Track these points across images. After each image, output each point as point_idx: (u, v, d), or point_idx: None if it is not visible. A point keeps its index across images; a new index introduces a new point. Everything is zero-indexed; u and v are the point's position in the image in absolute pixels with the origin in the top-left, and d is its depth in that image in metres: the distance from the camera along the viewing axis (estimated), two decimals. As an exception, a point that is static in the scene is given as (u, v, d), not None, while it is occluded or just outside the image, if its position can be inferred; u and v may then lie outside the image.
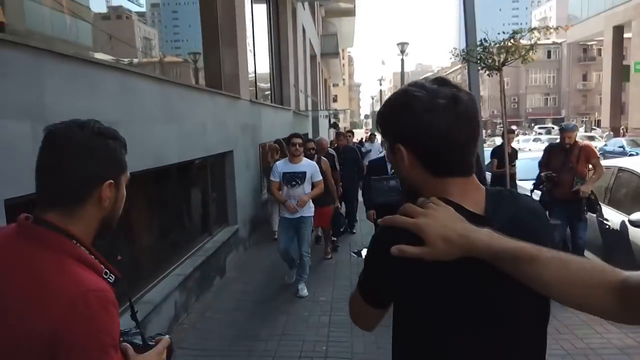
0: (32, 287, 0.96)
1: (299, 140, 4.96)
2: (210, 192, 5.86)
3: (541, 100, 65.62)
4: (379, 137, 12.95)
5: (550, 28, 5.28)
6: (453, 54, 6.22)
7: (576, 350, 3.57)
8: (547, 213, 4.23)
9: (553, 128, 46.22)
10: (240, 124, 6.91)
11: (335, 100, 45.13)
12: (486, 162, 7.00)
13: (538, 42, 5.63)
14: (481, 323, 0.96)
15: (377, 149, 11.86)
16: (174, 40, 6.32)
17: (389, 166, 4.64)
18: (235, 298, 4.93)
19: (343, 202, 7.46)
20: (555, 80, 63.74)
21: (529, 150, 20.40)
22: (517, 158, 7.37)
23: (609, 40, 31.16)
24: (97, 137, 1.09)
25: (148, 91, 3.85)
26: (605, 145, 21.45)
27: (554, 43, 58.15)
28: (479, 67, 5.64)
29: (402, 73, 18.78)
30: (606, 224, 4.74)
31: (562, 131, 5.12)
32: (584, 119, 54.01)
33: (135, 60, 4.70)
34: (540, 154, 6.25)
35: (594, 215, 4.86)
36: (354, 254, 6.61)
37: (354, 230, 7.76)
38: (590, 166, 4.88)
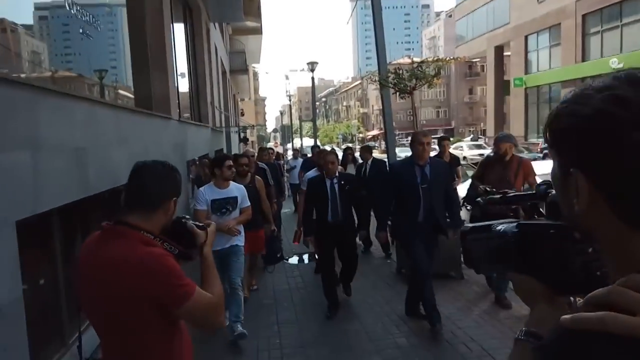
0: (118, 262, 1.50)
1: (230, 163, 4.40)
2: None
3: (433, 112, 71.09)
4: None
5: (452, 59, 6.23)
6: (371, 80, 6.99)
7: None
8: None
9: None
10: (172, 143, 7.13)
11: (242, 114, 45.23)
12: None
13: (440, 68, 6.58)
14: None
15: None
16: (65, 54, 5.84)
17: (328, 183, 4.76)
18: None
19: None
20: (445, 95, 69.52)
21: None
22: (459, 164, 7.62)
23: (491, 59, 34.83)
24: (170, 170, 1.72)
25: (104, 117, 4.09)
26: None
27: (435, 59, 63.47)
28: (393, 91, 6.47)
29: (313, 91, 19.72)
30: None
31: (497, 142, 4.83)
32: (472, 129, 59.49)
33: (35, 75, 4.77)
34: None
35: None
36: (268, 270, 5.83)
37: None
38: (527, 185, 4.58)
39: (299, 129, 40.24)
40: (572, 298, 0.81)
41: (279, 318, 4.80)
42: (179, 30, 10.55)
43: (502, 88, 33.67)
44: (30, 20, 3.93)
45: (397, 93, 6.42)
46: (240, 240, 4.37)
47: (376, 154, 10.98)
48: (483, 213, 4.66)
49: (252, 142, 47.28)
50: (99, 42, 5.25)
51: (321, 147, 10.68)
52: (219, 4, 13.56)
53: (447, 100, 69.86)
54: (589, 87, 0.66)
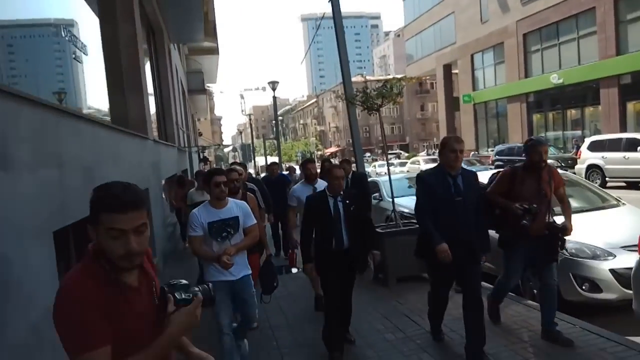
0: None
1: (223, 179, 3.64)
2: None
3: (388, 129, 73.08)
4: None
5: (413, 78, 6.79)
6: (340, 97, 7.46)
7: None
8: (506, 255, 4.15)
9: (401, 153, 52.10)
10: (150, 162, 7.31)
11: (201, 134, 45.04)
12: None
13: (402, 87, 7.12)
14: None
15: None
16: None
17: (331, 202, 4.01)
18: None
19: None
20: (399, 111, 71.73)
21: (384, 173, 23.27)
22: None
23: (440, 77, 36.53)
24: (94, 192, 1.45)
25: (103, 137, 4.31)
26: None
27: (394, 78, 65.66)
28: (361, 109, 6.95)
29: (275, 110, 20.11)
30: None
31: (532, 147, 3.91)
32: (425, 144, 61.64)
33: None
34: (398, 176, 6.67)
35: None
36: (264, 300, 4.50)
37: None
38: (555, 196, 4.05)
39: (260, 147, 40.38)
40: None
41: (271, 324, 5.08)
42: (145, 51, 10.72)
43: (452, 104, 35.38)
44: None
45: (365, 110, 6.88)
46: (248, 267, 3.76)
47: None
48: (523, 235, 3.82)
49: (210, 161, 46.93)
50: (87, 65, 5.44)
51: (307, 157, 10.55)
52: (179, 25, 13.80)
53: (400, 117, 72.10)
54: None
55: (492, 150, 24.27)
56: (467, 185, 3.76)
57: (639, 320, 3.73)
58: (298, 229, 4.74)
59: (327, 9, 8.20)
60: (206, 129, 61.56)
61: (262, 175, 12.78)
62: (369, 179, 8.27)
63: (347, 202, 4.06)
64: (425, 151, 49.32)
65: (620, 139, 15.88)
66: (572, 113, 25.26)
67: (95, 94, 6.37)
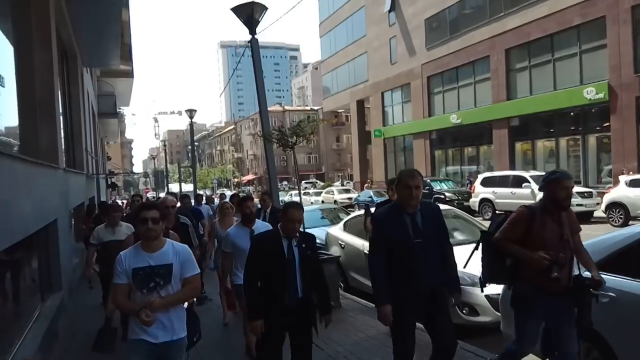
0: None
1: (155, 214, 2.96)
2: (42, 260, 6.06)
3: (305, 158, 74.63)
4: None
5: (324, 120, 7.40)
6: (258, 134, 7.86)
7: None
8: (519, 316, 3.39)
9: (317, 182, 53.50)
10: (60, 192, 7.18)
11: (109, 158, 43.03)
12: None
13: (315, 127, 7.73)
14: None
15: (206, 210, 9.93)
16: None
17: (285, 245, 3.35)
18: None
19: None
20: (316, 142, 73.67)
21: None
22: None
23: (354, 111, 38.39)
24: None
25: (12, 170, 4.34)
26: (359, 195, 26.67)
27: (311, 109, 67.78)
28: (276, 146, 7.44)
29: (192, 138, 20.02)
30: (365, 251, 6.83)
31: (561, 180, 3.21)
32: (340, 174, 63.71)
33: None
34: (312, 207, 6.90)
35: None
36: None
37: None
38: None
39: (174, 173, 39.33)
40: None
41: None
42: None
43: (365, 137, 37.31)
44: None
45: (280, 147, 7.37)
46: (183, 328, 3.07)
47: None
48: (536, 290, 3.20)
49: (119, 187, 44.81)
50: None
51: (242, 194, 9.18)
52: (95, 50, 13.54)
53: (317, 147, 74.01)
54: None
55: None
56: (428, 223, 3.30)
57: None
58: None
59: (248, 37, 8.33)
60: (115, 153, 58.78)
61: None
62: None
63: (304, 246, 3.41)
64: (340, 181, 51.02)
65: (508, 176, 17.93)
66: (469, 150, 27.82)
67: (7, 122, 6.25)
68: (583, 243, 3.45)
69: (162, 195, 31.63)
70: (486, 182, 18.44)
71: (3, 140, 5.56)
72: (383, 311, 3.22)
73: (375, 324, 3.84)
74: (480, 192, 18.49)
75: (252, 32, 8.11)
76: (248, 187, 56.40)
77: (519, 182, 16.92)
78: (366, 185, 32.25)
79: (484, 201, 18.07)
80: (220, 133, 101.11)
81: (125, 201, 26.79)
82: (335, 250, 7.80)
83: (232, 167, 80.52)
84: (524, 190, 16.31)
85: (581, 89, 19.66)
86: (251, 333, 3.55)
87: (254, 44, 8.25)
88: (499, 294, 4.64)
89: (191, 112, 18.84)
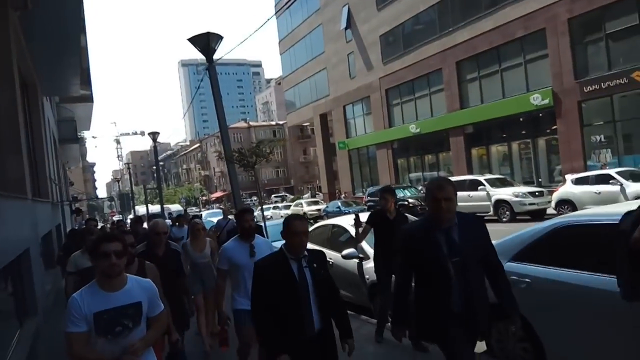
0: None
1: (118, 247, 2.49)
2: (17, 287, 6.31)
3: (274, 172, 74.98)
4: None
5: (282, 140, 7.92)
6: (220, 157, 8.32)
7: None
8: None
9: (286, 196, 53.93)
10: (30, 222, 7.42)
11: (72, 184, 42.28)
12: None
13: (274, 147, 8.25)
14: None
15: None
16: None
17: (295, 267, 2.83)
18: None
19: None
20: (283, 155, 74.20)
21: (270, 217, 24.36)
22: None
23: (318, 125, 39.14)
24: None
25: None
26: (327, 206, 27.27)
27: (277, 124, 68.42)
28: (238, 166, 7.91)
29: (156, 159, 20.18)
30: (330, 260, 7.28)
31: None
32: (310, 186, 64.24)
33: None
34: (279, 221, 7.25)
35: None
36: None
37: None
38: None
39: (140, 195, 38.95)
40: None
41: None
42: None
43: (330, 150, 38.06)
44: None
45: (241, 168, 7.84)
46: None
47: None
48: None
49: (83, 212, 43.96)
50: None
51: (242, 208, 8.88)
52: (54, 79, 13.67)
53: (284, 161, 74.50)
54: None
55: (366, 192, 26.65)
56: (467, 237, 2.78)
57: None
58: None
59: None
60: (78, 178, 57.69)
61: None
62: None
63: (315, 265, 2.89)
64: (309, 193, 51.54)
65: (465, 180, 18.84)
66: (429, 158, 28.89)
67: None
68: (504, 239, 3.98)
69: (130, 217, 31.02)
70: (444, 188, 19.31)
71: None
72: (396, 330, 3.00)
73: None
74: (439, 197, 19.32)
75: (209, 60, 8.60)
76: (217, 204, 56.15)
77: (474, 185, 17.90)
78: (344, 196, 33.10)
79: (444, 206, 18.90)
80: (185, 152, 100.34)
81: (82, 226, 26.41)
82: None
83: (200, 185, 79.98)
84: (480, 193, 17.32)
85: (528, 96, 20.92)
86: None
87: (211, 71, 8.73)
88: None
89: (154, 135, 19.03)
